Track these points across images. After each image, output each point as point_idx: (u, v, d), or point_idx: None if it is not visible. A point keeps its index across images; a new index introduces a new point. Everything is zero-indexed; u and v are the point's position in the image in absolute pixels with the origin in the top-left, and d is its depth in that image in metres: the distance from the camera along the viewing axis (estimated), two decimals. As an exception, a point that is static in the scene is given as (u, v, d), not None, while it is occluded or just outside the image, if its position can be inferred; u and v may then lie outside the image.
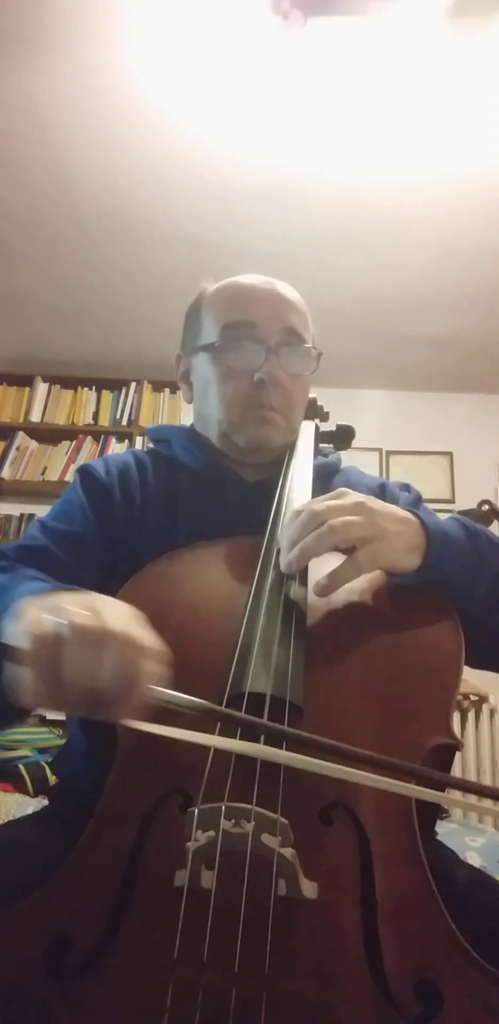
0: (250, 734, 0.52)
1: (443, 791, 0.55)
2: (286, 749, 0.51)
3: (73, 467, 3.49)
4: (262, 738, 0.52)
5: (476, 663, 0.78)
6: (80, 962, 0.46)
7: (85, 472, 0.94)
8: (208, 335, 0.96)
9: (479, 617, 0.73)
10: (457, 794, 0.61)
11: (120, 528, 0.89)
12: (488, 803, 0.51)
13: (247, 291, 0.96)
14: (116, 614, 0.51)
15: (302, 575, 0.72)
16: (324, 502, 0.71)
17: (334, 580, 0.67)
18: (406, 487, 1.02)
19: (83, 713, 0.50)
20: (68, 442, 3.60)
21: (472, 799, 0.56)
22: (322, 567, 0.69)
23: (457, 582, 0.73)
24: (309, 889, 0.47)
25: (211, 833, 0.46)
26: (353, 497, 0.72)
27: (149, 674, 0.50)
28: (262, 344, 0.91)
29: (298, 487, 0.87)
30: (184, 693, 0.52)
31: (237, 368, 0.92)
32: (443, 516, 0.83)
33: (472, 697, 2.89)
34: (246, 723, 0.53)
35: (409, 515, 0.74)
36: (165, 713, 0.52)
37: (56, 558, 0.82)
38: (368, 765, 0.50)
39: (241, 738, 0.52)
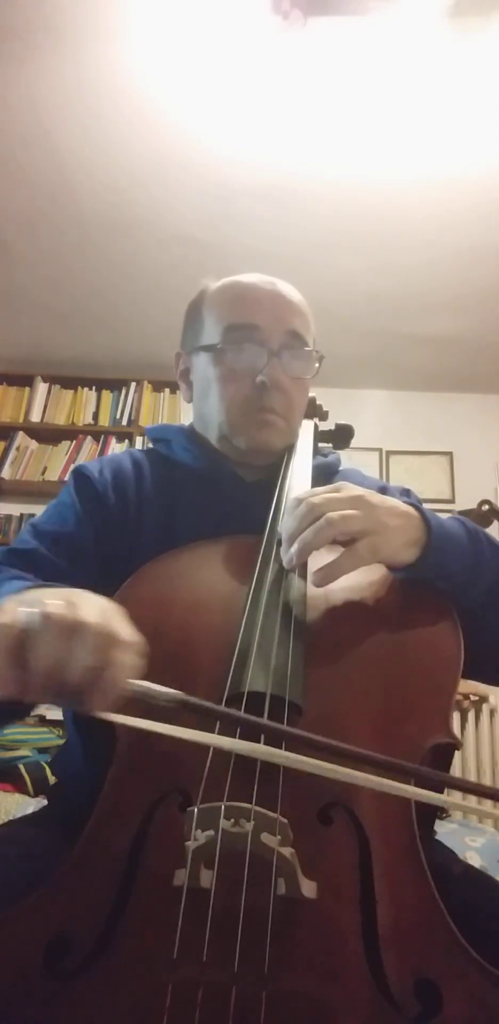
0: (249, 733, 0.52)
1: (442, 791, 0.55)
2: (286, 748, 0.51)
3: (73, 467, 3.48)
4: (262, 738, 0.52)
5: (472, 672, 0.78)
6: (79, 962, 0.46)
7: (79, 473, 0.93)
8: (210, 335, 0.95)
9: (477, 619, 0.73)
10: (457, 795, 0.61)
11: (114, 529, 0.88)
12: (488, 804, 0.51)
13: (250, 292, 0.95)
14: (91, 606, 0.52)
15: (301, 571, 0.72)
16: (322, 495, 0.70)
17: (333, 570, 0.67)
18: (406, 492, 1.02)
19: (54, 702, 0.51)
20: (68, 442, 3.61)
21: (471, 800, 0.56)
22: (322, 562, 0.69)
23: (456, 580, 0.73)
24: (308, 888, 0.47)
25: (210, 832, 0.46)
26: (352, 490, 0.71)
27: (123, 666, 0.51)
28: (264, 347, 0.91)
29: (297, 487, 0.87)
30: (183, 692, 0.52)
31: (239, 370, 0.92)
32: (443, 516, 0.83)
33: (472, 697, 2.89)
34: (223, 715, 0.53)
35: (410, 509, 0.74)
36: (164, 712, 0.52)
37: (46, 559, 0.82)
38: (367, 765, 0.50)
39: (240, 738, 0.52)
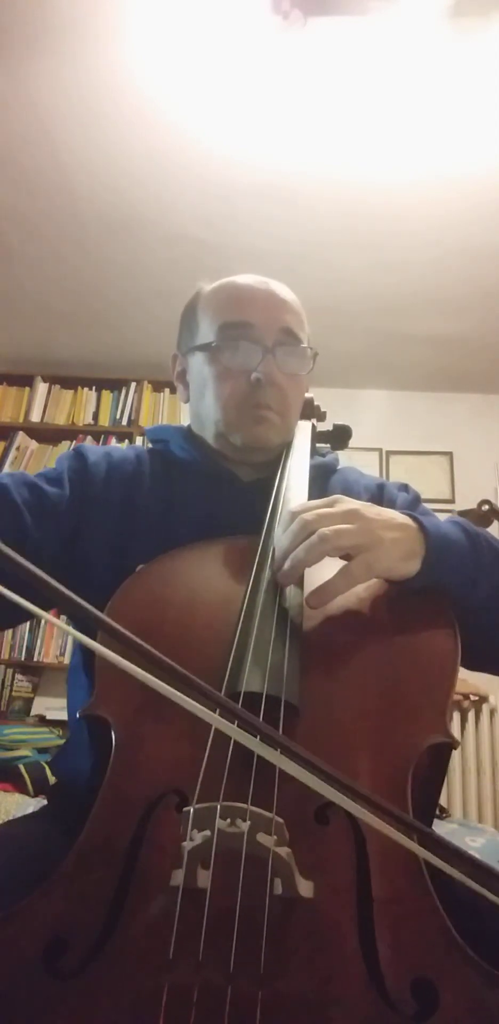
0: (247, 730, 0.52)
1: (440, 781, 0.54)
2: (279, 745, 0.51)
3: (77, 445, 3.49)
4: (258, 736, 0.52)
5: (476, 666, 0.78)
6: (77, 962, 0.46)
7: (77, 450, 0.97)
8: (205, 335, 0.96)
9: (479, 619, 0.73)
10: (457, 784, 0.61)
11: (90, 510, 0.89)
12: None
13: (244, 291, 0.96)
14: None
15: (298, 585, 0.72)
16: (315, 510, 0.69)
17: (327, 592, 0.66)
18: (404, 487, 1.02)
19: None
20: (68, 442, 3.60)
21: (472, 783, 0.55)
22: (319, 571, 0.69)
23: (457, 585, 0.72)
24: (305, 888, 0.47)
25: (207, 832, 0.46)
26: (346, 504, 0.71)
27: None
28: (259, 344, 0.92)
29: (294, 487, 0.87)
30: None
31: (234, 368, 0.92)
32: (443, 516, 0.83)
33: (472, 697, 2.89)
34: (223, 704, 0.52)
35: (407, 520, 0.73)
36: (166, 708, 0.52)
37: (8, 500, 0.83)
38: (362, 800, 0.49)
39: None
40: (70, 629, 0.46)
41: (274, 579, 0.70)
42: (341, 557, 0.68)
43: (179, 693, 0.45)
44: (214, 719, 0.46)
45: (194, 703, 0.46)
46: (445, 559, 0.71)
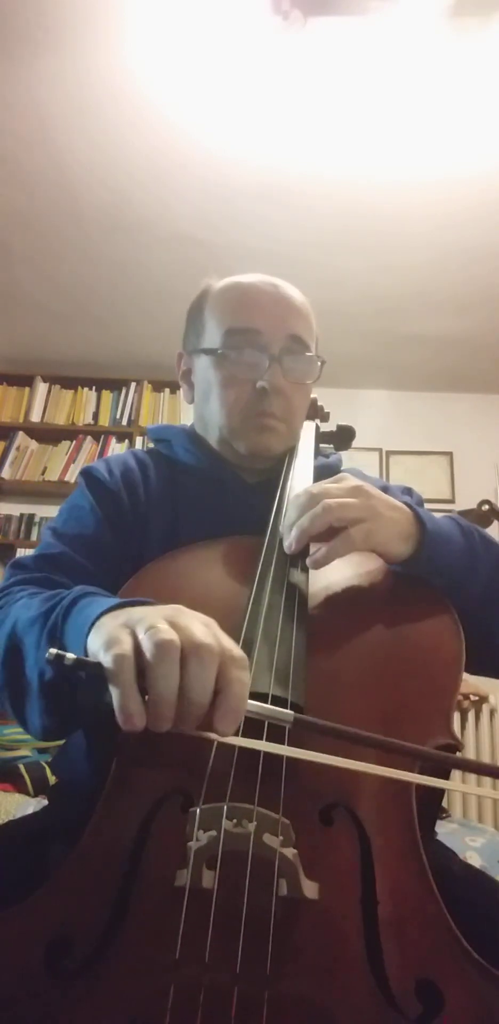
0: (252, 732, 0.53)
1: (448, 776, 0.55)
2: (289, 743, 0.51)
3: (73, 467, 3.49)
4: (264, 735, 0.52)
5: (476, 669, 0.78)
6: (81, 962, 0.46)
7: (89, 475, 0.93)
8: (211, 338, 0.95)
9: (474, 616, 0.73)
10: (458, 782, 0.62)
11: (127, 530, 0.88)
12: (487, 785, 0.51)
13: (251, 295, 0.94)
14: (198, 622, 0.51)
15: (303, 566, 0.73)
16: (322, 485, 0.74)
17: (327, 554, 0.70)
18: (408, 491, 1.02)
19: (175, 729, 0.49)
20: (68, 442, 3.61)
21: (480, 786, 0.56)
22: (324, 572, 0.71)
23: (452, 576, 0.75)
24: (310, 889, 0.47)
25: (212, 833, 0.46)
26: (351, 481, 0.74)
27: (242, 683, 0.50)
28: (265, 352, 0.91)
29: (298, 487, 0.87)
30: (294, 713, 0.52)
31: (239, 375, 0.91)
32: (438, 516, 0.84)
33: (472, 697, 2.89)
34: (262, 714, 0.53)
35: (404, 506, 0.76)
36: None
37: (74, 562, 0.82)
38: (371, 747, 0.50)
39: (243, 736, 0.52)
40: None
41: (281, 572, 0.71)
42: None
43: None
44: (216, 736, 0.46)
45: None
46: (439, 546, 0.74)
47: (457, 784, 0.62)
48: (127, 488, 0.92)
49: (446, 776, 0.60)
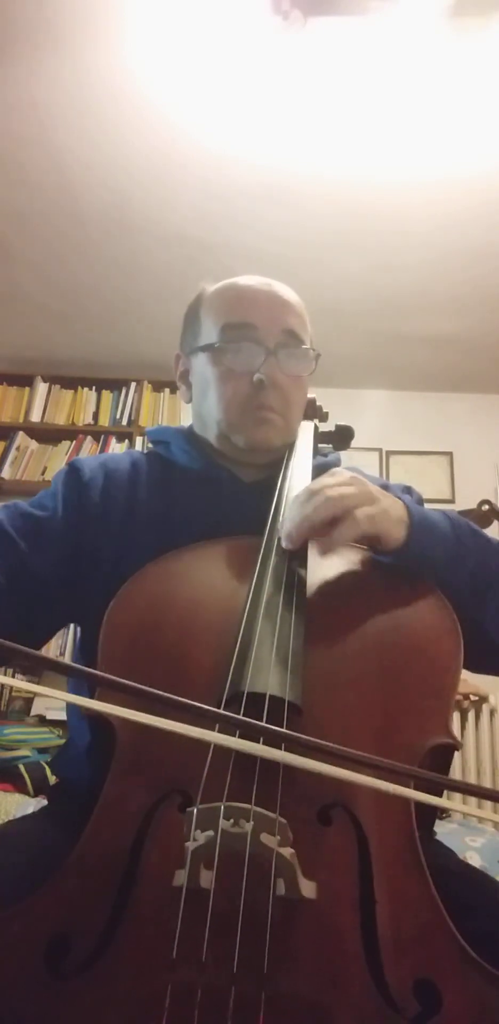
0: (248, 734, 0.52)
1: (442, 794, 0.55)
2: (285, 750, 0.51)
3: (71, 460, 3.49)
4: (261, 738, 0.52)
5: (474, 666, 0.78)
6: (79, 962, 0.46)
7: (71, 466, 0.96)
8: (207, 336, 0.96)
9: (464, 607, 0.74)
10: (457, 798, 0.62)
11: (88, 525, 0.90)
12: (488, 808, 0.51)
13: (246, 293, 0.96)
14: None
15: (302, 563, 0.73)
16: (319, 480, 0.75)
17: (333, 540, 0.71)
18: (408, 489, 1.03)
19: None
20: (68, 442, 3.60)
21: (471, 803, 0.56)
22: (322, 566, 0.71)
23: (441, 565, 0.76)
24: (308, 889, 0.47)
25: (210, 833, 0.46)
26: (344, 473, 0.77)
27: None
28: (261, 345, 0.92)
29: (297, 487, 0.87)
30: (182, 695, 0.51)
31: (236, 369, 0.92)
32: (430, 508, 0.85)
33: (472, 697, 2.89)
34: (222, 718, 0.53)
35: (390, 494, 0.79)
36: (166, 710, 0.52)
37: (3, 533, 0.85)
38: (366, 768, 0.50)
39: (239, 737, 0.52)
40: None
41: (279, 572, 0.72)
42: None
43: (173, 723, 0.47)
44: (214, 737, 0.46)
45: (191, 728, 0.47)
46: (428, 533, 0.76)
47: (455, 804, 0.62)
48: (104, 485, 0.93)
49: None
